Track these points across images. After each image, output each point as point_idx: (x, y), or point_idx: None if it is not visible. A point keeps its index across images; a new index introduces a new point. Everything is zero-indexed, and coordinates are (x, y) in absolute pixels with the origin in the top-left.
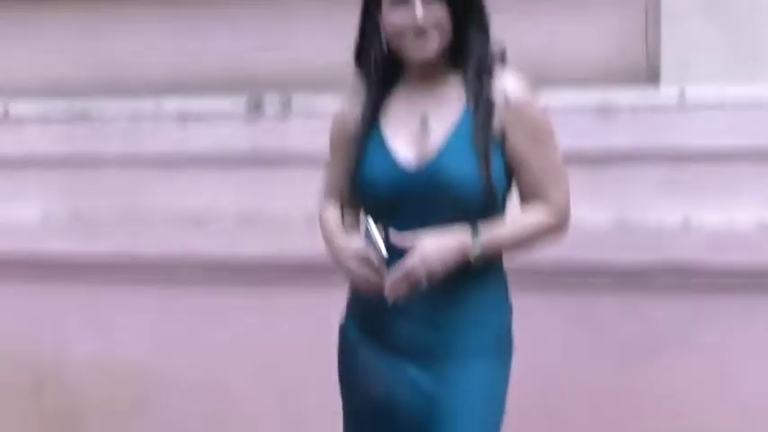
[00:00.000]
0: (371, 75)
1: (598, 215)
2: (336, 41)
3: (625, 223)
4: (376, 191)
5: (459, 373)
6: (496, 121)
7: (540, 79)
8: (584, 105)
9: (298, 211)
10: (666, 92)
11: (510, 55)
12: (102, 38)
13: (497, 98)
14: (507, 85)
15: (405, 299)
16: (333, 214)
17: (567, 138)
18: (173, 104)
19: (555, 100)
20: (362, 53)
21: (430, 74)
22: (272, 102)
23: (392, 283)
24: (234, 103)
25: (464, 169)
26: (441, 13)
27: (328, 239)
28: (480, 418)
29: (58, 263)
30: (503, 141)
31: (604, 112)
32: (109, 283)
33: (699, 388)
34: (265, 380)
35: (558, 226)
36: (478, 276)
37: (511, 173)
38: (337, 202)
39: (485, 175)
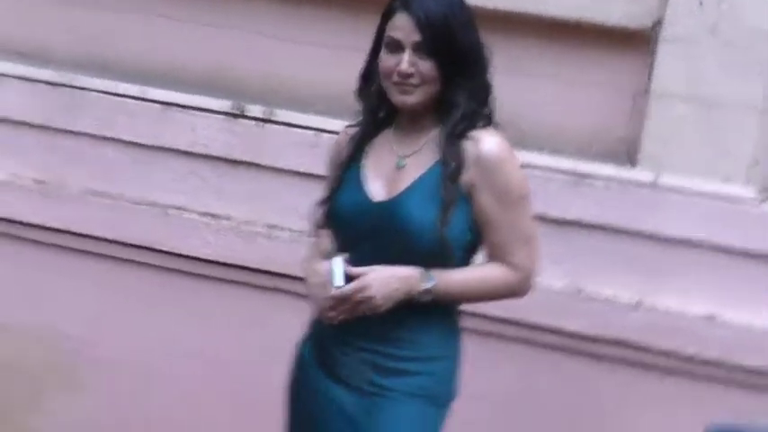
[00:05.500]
0: (367, 109)
1: (556, 280)
2: (323, 61)
3: (580, 293)
4: (343, 217)
5: (389, 415)
6: (465, 177)
7: (520, 141)
8: (559, 172)
9: (261, 218)
10: (642, 174)
11: (497, 112)
12: (100, 14)
13: (470, 156)
14: (483, 143)
15: (341, 321)
16: (319, 236)
17: (538, 200)
18: (156, 93)
19: (532, 162)
20: (364, 87)
21: (417, 121)
22: (254, 110)
23: (332, 302)
24: (217, 104)
25: (422, 214)
26: (429, 70)
27: (306, 258)
28: None
29: (10, 225)
30: (470, 198)
31: (579, 181)
32: (59, 254)
33: None
34: (198, 375)
35: (519, 288)
36: (429, 323)
37: (477, 230)
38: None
39: (441, 225)
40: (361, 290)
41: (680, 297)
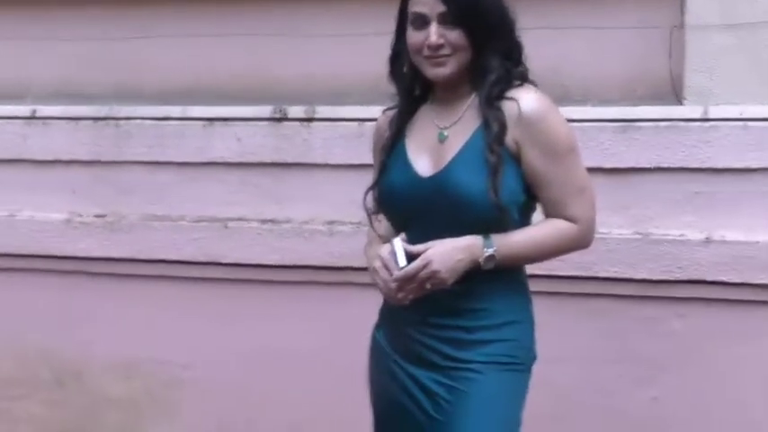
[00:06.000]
0: (401, 89)
1: (621, 229)
2: (359, 54)
3: (647, 238)
4: (394, 198)
5: (472, 387)
6: (509, 138)
7: (563, 96)
8: (607, 121)
9: (320, 216)
10: (690, 110)
11: (536, 72)
12: (129, 44)
13: (511, 115)
14: (522, 101)
15: (410, 301)
16: (374, 222)
17: (591, 153)
18: (197, 111)
19: (578, 116)
20: (394, 68)
21: (454, 91)
22: (296, 111)
23: (398, 284)
24: (259, 111)
25: (471, 181)
26: (458, 39)
27: (365, 245)
28: None
29: (81, 263)
30: (518, 158)
31: (628, 127)
32: (131, 283)
33: (716, 403)
34: (286, 381)
35: (581, 239)
36: (497, 290)
37: (530, 188)
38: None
39: (492, 190)
40: (424, 266)
41: (748, 227)
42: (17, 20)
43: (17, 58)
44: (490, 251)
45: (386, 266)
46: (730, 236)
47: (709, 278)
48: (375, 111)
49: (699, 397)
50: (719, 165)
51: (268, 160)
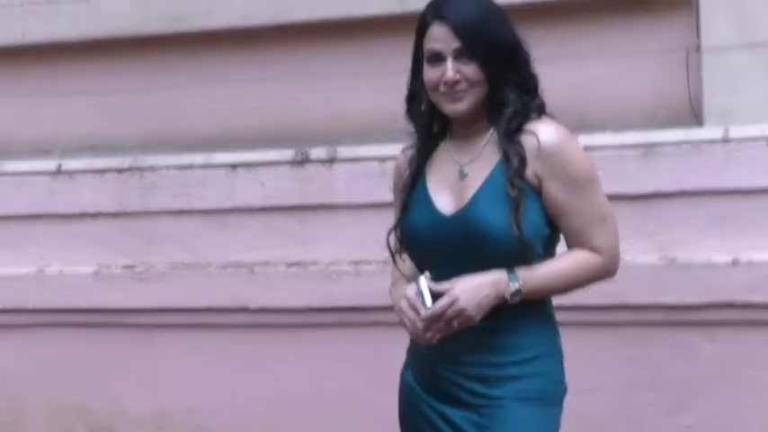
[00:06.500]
0: (419, 127)
1: (647, 256)
2: (378, 93)
3: (674, 263)
4: (417, 238)
5: (504, 424)
6: (530, 171)
7: (583, 124)
8: (628, 147)
9: (345, 257)
10: (710, 131)
11: (554, 101)
12: (151, 95)
13: (530, 149)
14: (540, 134)
15: (438, 339)
16: (400, 263)
17: (612, 180)
18: (220, 158)
19: (599, 143)
20: (412, 106)
21: (471, 126)
22: (317, 152)
23: (425, 323)
24: (281, 155)
25: (494, 217)
26: (474, 73)
27: (390, 285)
28: None
29: (110, 314)
30: (539, 191)
31: (649, 152)
32: (161, 333)
33: (753, 428)
34: (315, 425)
35: (606, 269)
36: (524, 324)
37: (553, 220)
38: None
39: (515, 225)
40: (450, 305)
41: None
42: (40, 75)
43: (42, 113)
44: (516, 285)
45: (412, 306)
46: (758, 257)
47: (738, 301)
48: (395, 149)
49: (735, 422)
50: (743, 185)
51: (291, 203)
